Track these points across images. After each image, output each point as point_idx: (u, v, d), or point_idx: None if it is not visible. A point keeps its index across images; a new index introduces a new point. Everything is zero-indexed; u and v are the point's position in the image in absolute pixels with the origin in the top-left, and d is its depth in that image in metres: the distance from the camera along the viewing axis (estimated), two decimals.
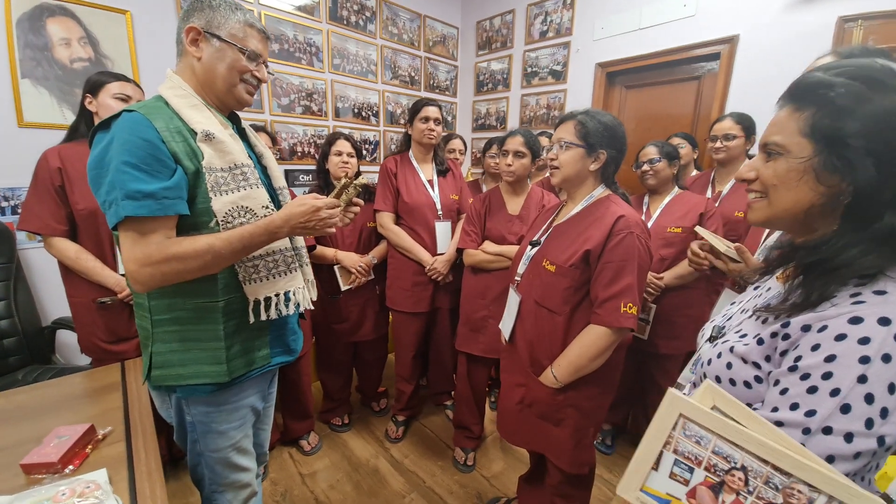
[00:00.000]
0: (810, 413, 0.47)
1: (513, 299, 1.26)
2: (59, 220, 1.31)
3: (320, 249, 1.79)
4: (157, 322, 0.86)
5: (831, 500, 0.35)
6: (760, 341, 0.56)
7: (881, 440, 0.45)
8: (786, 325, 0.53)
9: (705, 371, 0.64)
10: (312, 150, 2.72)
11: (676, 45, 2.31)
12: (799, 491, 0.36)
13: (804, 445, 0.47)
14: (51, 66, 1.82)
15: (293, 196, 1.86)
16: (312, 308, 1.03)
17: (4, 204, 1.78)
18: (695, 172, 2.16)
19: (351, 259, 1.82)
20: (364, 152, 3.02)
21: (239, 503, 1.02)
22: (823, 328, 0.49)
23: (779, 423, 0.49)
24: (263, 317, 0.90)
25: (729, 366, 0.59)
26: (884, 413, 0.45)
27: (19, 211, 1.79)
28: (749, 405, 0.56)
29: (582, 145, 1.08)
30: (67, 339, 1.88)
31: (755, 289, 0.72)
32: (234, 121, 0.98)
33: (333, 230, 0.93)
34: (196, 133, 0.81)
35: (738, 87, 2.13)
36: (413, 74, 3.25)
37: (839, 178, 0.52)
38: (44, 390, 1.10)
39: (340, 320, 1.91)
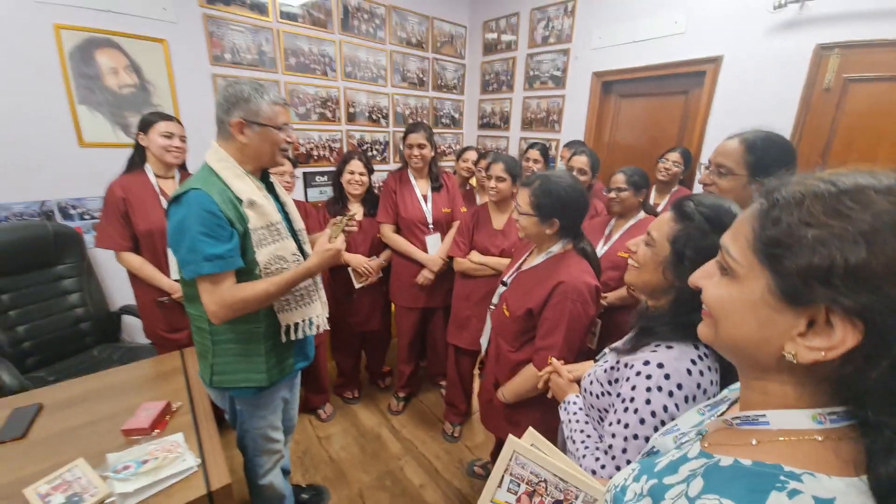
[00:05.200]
0: (626, 425, 0.77)
1: (487, 324, 1.52)
2: (125, 238, 1.65)
3: None
4: (217, 341, 1.17)
5: (586, 495, 0.65)
6: (606, 371, 0.87)
7: (647, 438, 0.75)
8: (618, 361, 0.84)
9: (584, 384, 0.95)
10: (327, 153, 3.00)
11: (667, 60, 2.42)
12: (570, 491, 0.66)
13: (626, 450, 0.77)
14: (102, 93, 2.12)
15: (305, 213, 2.11)
16: (328, 328, 1.34)
17: (73, 212, 2.14)
18: (676, 188, 2.31)
19: (357, 260, 2.12)
20: (374, 152, 3.27)
21: (271, 464, 1.40)
22: (631, 366, 0.79)
23: (613, 435, 0.79)
24: (293, 337, 1.22)
25: (591, 383, 0.91)
26: (654, 417, 0.74)
27: (86, 217, 2.18)
28: (604, 409, 0.86)
29: (535, 215, 1.23)
30: (132, 322, 2.28)
31: None
32: (265, 175, 1.25)
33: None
34: (242, 201, 1.09)
35: (719, 107, 2.26)
36: (421, 75, 3.42)
37: (675, 277, 0.79)
38: (126, 373, 1.47)
39: (353, 314, 2.25)
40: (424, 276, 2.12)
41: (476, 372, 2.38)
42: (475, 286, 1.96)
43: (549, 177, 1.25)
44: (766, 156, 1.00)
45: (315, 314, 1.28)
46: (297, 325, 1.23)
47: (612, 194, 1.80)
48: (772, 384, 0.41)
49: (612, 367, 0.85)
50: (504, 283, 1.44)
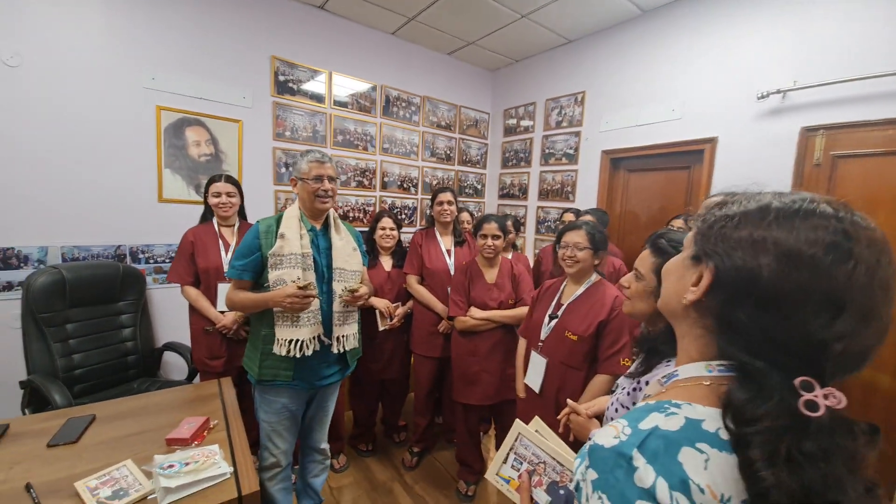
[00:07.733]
0: None
1: (538, 361, 1.61)
2: (189, 274, 1.97)
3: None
4: (250, 331, 1.51)
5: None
6: (628, 393, 0.94)
7: None
8: (637, 382, 0.92)
9: (609, 415, 1.01)
10: (361, 216, 3.33)
11: (667, 140, 2.71)
12: (566, 474, 0.74)
13: None
14: (185, 160, 2.55)
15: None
16: (309, 353, 1.43)
17: (141, 256, 2.46)
18: None
19: (383, 303, 2.27)
20: (403, 216, 3.60)
21: (270, 474, 1.55)
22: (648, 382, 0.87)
23: None
24: (283, 351, 1.40)
25: (616, 410, 0.97)
26: None
27: (150, 261, 2.48)
28: None
29: (591, 248, 1.55)
30: (169, 359, 2.45)
31: None
32: (326, 221, 1.54)
33: (300, 309, 1.38)
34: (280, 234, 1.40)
35: (720, 180, 2.47)
36: (448, 152, 3.86)
37: None
38: (171, 395, 1.61)
39: (374, 360, 2.35)
40: (444, 325, 2.24)
41: (491, 433, 2.35)
42: (480, 340, 2.02)
43: (591, 222, 1.63)
44: None
45: (302, 337, 1.41)
46: (287, 341, 1.40)
47: None
48: (684, 341, 0.54)
49: (633, 390, 0.93)
50: (554, 317, 1.60)
